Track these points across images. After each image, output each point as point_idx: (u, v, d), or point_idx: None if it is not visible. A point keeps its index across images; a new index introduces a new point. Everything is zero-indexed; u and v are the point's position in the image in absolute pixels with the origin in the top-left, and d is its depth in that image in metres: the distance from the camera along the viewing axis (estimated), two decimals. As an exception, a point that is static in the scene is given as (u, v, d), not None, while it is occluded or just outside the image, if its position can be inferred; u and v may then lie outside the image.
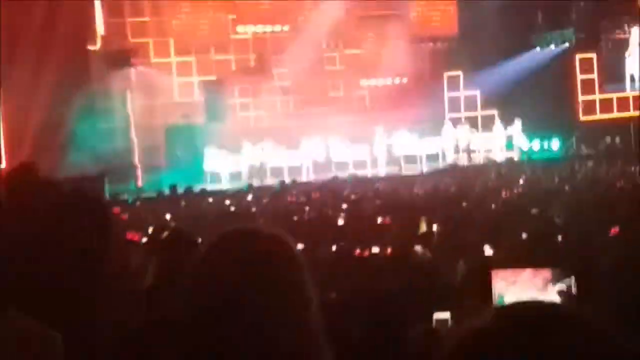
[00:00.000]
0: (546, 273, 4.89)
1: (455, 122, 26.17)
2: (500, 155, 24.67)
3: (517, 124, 25.10)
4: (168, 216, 13.27)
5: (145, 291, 4.05)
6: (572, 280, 4.78)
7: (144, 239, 9.05)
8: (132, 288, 4.18)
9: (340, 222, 11.12)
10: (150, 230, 9.50)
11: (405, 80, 27.03)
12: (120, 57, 23.61)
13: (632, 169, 18.09)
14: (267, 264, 1.90)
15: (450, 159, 24.52)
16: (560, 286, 4.87)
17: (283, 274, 1.91)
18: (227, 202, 15.82)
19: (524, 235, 8.02)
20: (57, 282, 2.31)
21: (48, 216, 2.51)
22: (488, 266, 4.71)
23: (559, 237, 7.68)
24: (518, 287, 4.93)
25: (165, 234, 4.88)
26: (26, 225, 2.54)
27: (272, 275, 1.89)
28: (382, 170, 23.54)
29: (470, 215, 10.06)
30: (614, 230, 7.72)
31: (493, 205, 11.03)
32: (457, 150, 25.11)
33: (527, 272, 4.89)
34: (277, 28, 26.02)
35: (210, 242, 2.02)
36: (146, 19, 24.91)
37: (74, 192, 2.78)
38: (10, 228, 2.75)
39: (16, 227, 2.65)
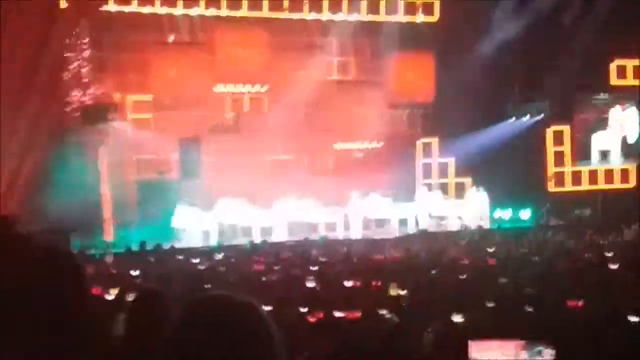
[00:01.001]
0: (518, 343, 4.92)
1: (428, 188, 26.35)
2: (471, 222, 24.77)
3: (490, 192, 25.30)
4: (136, 272, 13.14)
5: (113, 347, 4.01)
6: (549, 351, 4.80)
7: (110, 296, 8.96)
8: (98, 343, 4.12)
9: (310, 284, 11.07)
10: (116, 289, 9.39)
11: (380, 144, 27.23)
12: (98, 111, 23.58)
13: (600, 241, 18.27)
14: (239, 334, 1.89)
15: (421, 224, 24.58)
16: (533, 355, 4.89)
17: (255, 346, 1.90)
18: (196, 260, 15.71)
19: (491, 305, 8.04)
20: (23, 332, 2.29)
21: (19, 269, 2.49)
22: (463, 335, 4.73)
23: (528, 307, 7.70)
24: (491, 355, 4.95)
25: (135, 293, 4.83)
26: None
27: (243, 347, 1.88)
28: (353, 234, 23.53)
29: (439, 283, 10.07)
30: (577, 302, 7.77)
31: (463, 274, 11.04)
32: (428, 217, 25.21)
33: (499, 342, 4.91)
34: (256, 88, 26.22)
35: (182, 308, 2.00)
36: (125, 76, 25.00)
37: (46, 246, 2.76)
38: None
39: None
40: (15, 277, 2.40)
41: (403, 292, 9.66)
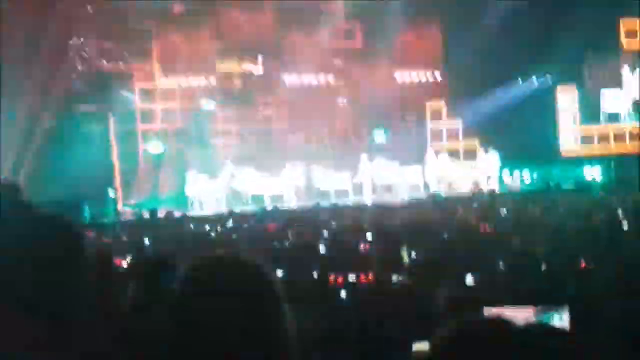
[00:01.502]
0: (532, 309, 4.91)
1: (437, 151, 26.32)
2: (481, 186, 24.75)
3: (500, 154, 25.24)
4: (147, 241, 13.18)
5: (125, 313, 4.02)
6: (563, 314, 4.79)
7: (124, 264, 9.00)
8: (112, 311, 4.14)
9: (322, 249, 11.08)
10: (127, 258, 9.43)
11: (388, 110, 27.17)
12: (105, 81, 23.58)
13: (612, 201, 18.19)
14: (244, 293, 1.88)
15: (431, 188, 24.57)
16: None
17: (260, 304, 1.89)
18: (207, 227, 15.75)
19: (504, 266, 8.04)
20: (33, 301, 2.28)
21: (26, 237, 2.48)
22: (475, 297, 4.72)
23: (540, 269, 7.69)
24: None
25: (144, 261, 4.86)
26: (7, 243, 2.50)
27: (248, 305, 1.87)
28: (364, 198, 23.54)
29: (450, 246, 10.06)
30: (586, 264, 7.76)
31: (474, 237, 11.02)
32: (438, 180, 25.21)
33: (513, 309, 4.90)
34: (263, 55, 26.12)
35: (189, 267, 2.00)
36: (131, 45, 24.94)
37: (51, 216, 2.74)
38: None
39: None
40: (14, 243, 2.38)
41: (415, 256, 9.66)
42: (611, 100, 27.46)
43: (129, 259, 9.57)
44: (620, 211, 13.32)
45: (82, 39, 23.37)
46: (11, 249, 2.35)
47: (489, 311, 4.66)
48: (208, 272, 1.95)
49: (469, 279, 7.38)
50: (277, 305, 1.93)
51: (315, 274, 8.67)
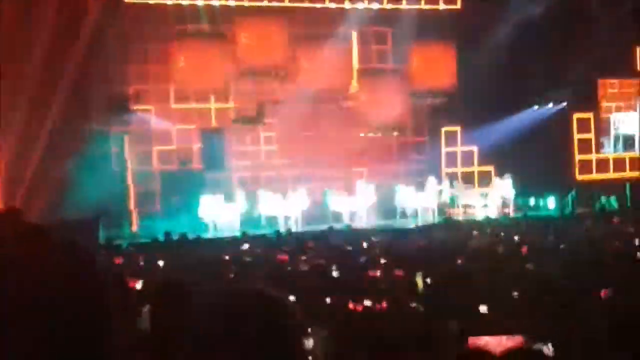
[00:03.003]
0: (517, 339, 4.88)
1: (452, 177, 26.32)
2: (495, 211, 24.68)
3: (514, 180, 25.19)
4: (161, 263, 13.20)
5: (141, 338, 4.02)
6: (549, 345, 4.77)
7: (138, 286, 9.01)
8: (127, 334, 4.14)
9: (335, 274, 11.06)
10: (142, 280, 9.44)
11: (403, 133, 27.24)
12: (121, 102, 23.74)
13: (628, 229, 18.09)
14: (268, 329, 1.88)
15: (446, 213, 24.53)
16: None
17: (282, 341, 1.89)
18: (222, 250, 15.75)
19: (517, 294, 8.00)
20: (47, 333, 2.27)
21: (33, 264, 2.47)
22: (488, 326, 4.71)
23: (554, 297, 7.65)
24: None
25: (159, 286, 4.86)
26: (10, 273, 2.49)
27: (271, 341, 1.87)
28: (378, 223, 23.51)
29: (465, 272, 10.02)
30: (604, 292, 7.70)
31: (488, 263, 10.98)
32: (453, 205, 25.17)
33: (497, 338, 4.88)
34: (278, 78, 26.23)
35: (211, 300, 1.99)
36: (148, 66, 25.13)
37: (63, 240, 2.74)
38: None
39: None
40: (24, 270, 2.38)
41: (428, 281, 9.63)
42: (626, 125, 27.41)
43: (142, 281, 9.58)
44: (637, 240, 13.24)
45: (100, 60, 23.54)
46: (26, 274, 2.35)
47: (474, 342, 4.64)
48: (227, 305, 1.95)
49: (483, 308, 7.33)
50: (299, 343, 1.94)
51: (328, 299, 8.65)
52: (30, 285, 2.35)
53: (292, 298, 7.92)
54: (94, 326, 2.28)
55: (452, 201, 25.31)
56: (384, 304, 8.48)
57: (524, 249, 13.19)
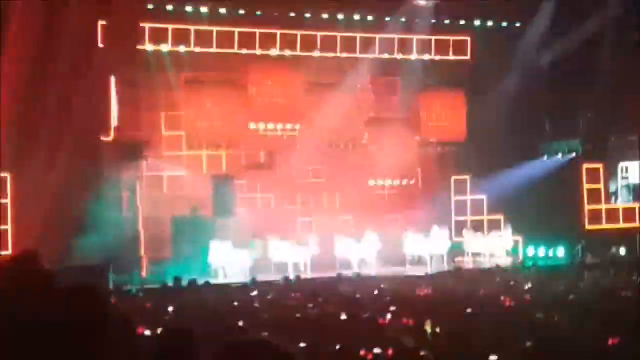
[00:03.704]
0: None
1: (461, 225, 26.33)
2: (505, 260, 24.61)
3: (523, 229, 25.16)
4: (170, 309, 13.20)
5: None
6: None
7: (147, 332, 9.02)
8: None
9: (344, 321, 11.05)
10: (151, 326, 9.45)
11: (412, 182, 27.32)
12: (132, 149, 23.92)
13: (638, 279, 18.02)
14: None
15: (455, 261, 24.48)
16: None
17: None
18: (231, 296, 15.74)
19: (528, 344, 7.98)
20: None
21: (47, 307, 2.51)
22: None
23: (564, 347, 7.65)
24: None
25: (165, 333, 4.88)
26: (23, 314, 2.53)
27: None
28: (387, 270, 23.43)
29: (475, 320, 10.02)
30: (613, 340, 7.70)
31: (498, 312, 10.98)
32: (462, 254, 25.14)
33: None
34: (289, 125, 26.43)
35: (219, 352, 2.01)
36: (159, 113, 25.35)
37: (75, 285, 2.79)
38: (7, 318, 2.72)
39: (13, 317, 2.63)
40: (36, 312, 2.41)
41: (438, 330, 9.62)
42: (636, 174, 27.38)
43: (151, 329, 9.58)
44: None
45: (112, 106, 23.77)
46: (35, 320, 2.38)
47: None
48: (233, 356, 1.98)
49: (493, 357, 7.33)
50: None
51: (337, 346, 8.65)
52: (49, 331, 2.39)
53: (302, 345, 7.94)
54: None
55: (461, 249, 25.30)
56: (394, 351, 8.48)
57: (530, 300, 13.17)
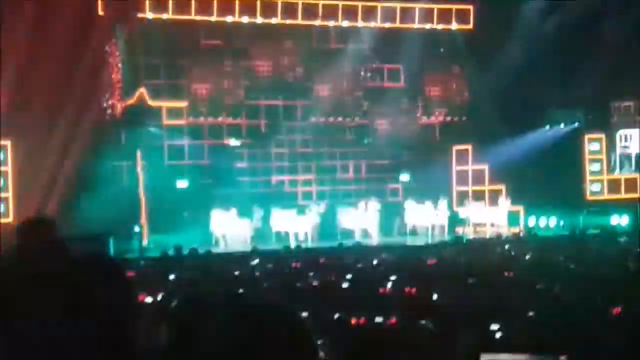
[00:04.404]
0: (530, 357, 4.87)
1: (463, 195, 26.29)
2: (506, 230, 24.63)
3: (525, 199, 25.14)
4: (172, 277, 13.21)
5: (160, 354, 4.02)
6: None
7: (148, 300, 9.03)
8: (143, 350, 4.14)
9: (345, 290, 11.06)
10: (154, 294, 9.45)
11: (413, 151, 27.25)
12: (133, 117, 23.84)
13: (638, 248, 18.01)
14: (283, 346, 1.90)
15: (456, 231, 24.50)
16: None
17: (300, 356, 1.91)
18: (232, 265, 15.75)
19: (529, 314, 7.97)
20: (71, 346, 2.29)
21: (62, 272, 2.50)
22: (499, 344, 4.71)
23: (566, 316, 7.63)
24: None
25: (177, 299, 4.85)
26: (38, 281, 2.51)
27: (290, 356, 1.89)
28: (388, 240, 23.48)
29: (476, 290, 10.01)
30: (616, 310, 7.68)
31: (499, 282, 10.98)
32: (463, 224, 25.14)
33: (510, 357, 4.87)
34: (289, 96, 26.31)
35: (226, 316, 2.00)
36: (161, 81, 25.22)
37: (89, 253, 2.77)
38: (20, 282, 2.72)
39: (27, 283, 2.63)
40: (57, 280, 2.40)
41: (439, 300, 9.62)
42: (636, 143, 27.28)
43: (155, 296, 9.58)
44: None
45: (113, 75, 23.68)
46: (56, 284, 2.37)
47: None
48: (248, 321, 1.96)
49: (494, 325, 7.32)
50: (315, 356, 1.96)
51: (337, 315, 8.64)
52: (63, 294, 2.37)
53: (303, 314, 7.94)
54: (124, 330, 2.30)
55: (463, 220, 25.29)
56: (394, 321, 8.47)
57: (535, 269, 13.17)
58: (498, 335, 7.18)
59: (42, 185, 20.87)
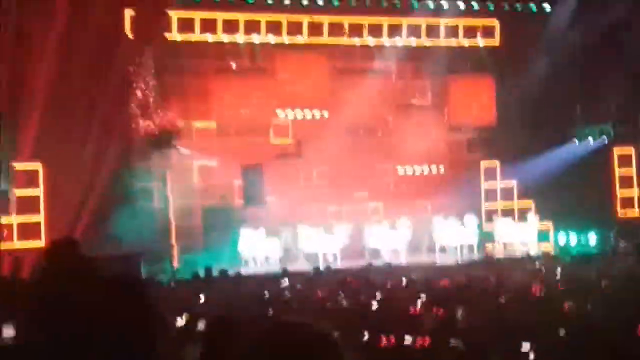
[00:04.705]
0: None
1: (491, 212, 26.13)
2: (536, 248, 24.41)
3: (554, 216, 24.92)
4: (202, 299, 13.28)
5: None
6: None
7: (180, 322, 9.09)
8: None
9: (375, 310, 11.05)
10: (184, 316, 9.52)
11: (442, 168, 27.17)
12: (162, 138, 24.00)
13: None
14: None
15: (485, 249, 24.32)
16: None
17: None
18: (261, 286, 15.79)
19: (560, 333, 7.94)
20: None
21: (90, 294, 2.56)
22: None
23: (597, 335, 7.59)
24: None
25: (207, 322, 4.92)
26: (67, 300, 2.57)
27: None
28: (418, 259, 23.34)
29: (507, 310, 9.98)
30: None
31: (530, 301, 10.92)
32: (492, 241, 24.92)
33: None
34: (317, 113, 26.39)
35: (258, 335, 2.03)
36: (189, 102, 25.39)
37: (116, 273, 2.83)
38: (50, 302, 2.77)
39: (56, 302, 2.68)
40: (83, 300, 2.44)
41: (469, 319, 9.58)
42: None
43: (184, 317, 9.65)
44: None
45: (141, 96, 23.88)
46: (83, 304, 2.42)
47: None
48: (281, 341, 1.99)
49: (525, 346, 7.30)
50: None
51: (366, 335, 8.66)
52: (86, 317, 2.42)
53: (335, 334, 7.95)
54: (150, 351, 2.35)
55: (491, 237, 25.10)
56: (424, 341, 8.47)
57: (562, 288, 13.08)
58: (531, 356, 7.16)
59: (73, 208, 21.04)
